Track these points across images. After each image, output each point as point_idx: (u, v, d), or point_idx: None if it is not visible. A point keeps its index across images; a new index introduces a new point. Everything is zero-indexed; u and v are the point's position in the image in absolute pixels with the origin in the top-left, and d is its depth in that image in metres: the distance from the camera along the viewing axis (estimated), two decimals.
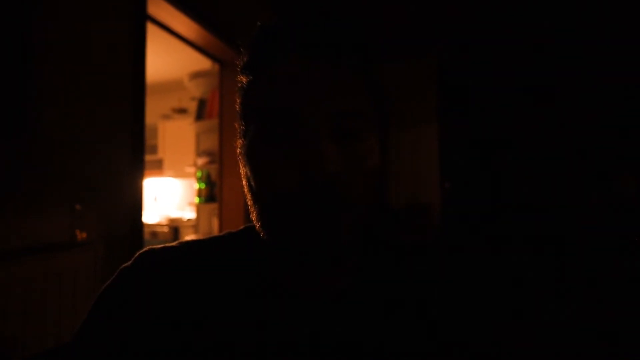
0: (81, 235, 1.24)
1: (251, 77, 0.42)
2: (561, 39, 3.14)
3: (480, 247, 3.23)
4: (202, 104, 2.95)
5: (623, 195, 2.98)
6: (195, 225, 3.10)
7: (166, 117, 4.22)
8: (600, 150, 3.10)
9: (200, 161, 2.88)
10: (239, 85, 0.44)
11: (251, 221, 0.44)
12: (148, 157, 3.87)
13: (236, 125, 0.45)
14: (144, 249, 0.46)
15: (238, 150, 0.46)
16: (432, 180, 3.54)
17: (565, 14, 2.81)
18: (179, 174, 4.10)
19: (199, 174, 2.87)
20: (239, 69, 0.44)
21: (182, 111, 4.10)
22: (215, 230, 2.67)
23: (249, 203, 0.43)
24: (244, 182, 0.43)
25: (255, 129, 0.40)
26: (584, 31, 3.02)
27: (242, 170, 0.43)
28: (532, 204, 3.29)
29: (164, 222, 3.97)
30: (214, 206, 2.75)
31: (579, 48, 3.13)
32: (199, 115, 2.95)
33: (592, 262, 2.97)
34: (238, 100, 0.44)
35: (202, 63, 2.82)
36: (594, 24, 2.93)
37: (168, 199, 4.42)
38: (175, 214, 4.13)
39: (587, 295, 2.83)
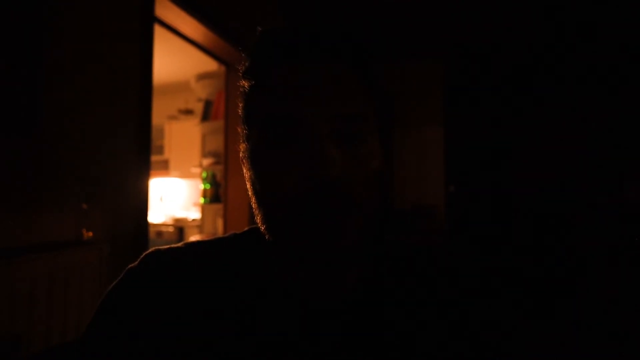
0: (87, 234, 1.25)
1: (253, 82, 0.43)
2: (569, 41, 3.11)
3: (485, 251, 3.21)
4: (208, 105, 2.97)
5: (634, 199, 2.95)
6: (200, 225, 3.11)
7: (172, 118, 4.25)
8: (609, 153, 3.07)
9: (206, 162, 2.89)
10: (241, 89, 0.45)
11: (256, 222, 0.44)
12: (154, 158, 3.91)
13: (239, 129, 0.46)
14: (150, 250, 0.46)
15: (241, 154, 0.46)
16: (437, 182, 3.52)
17: (574, 16, 2.79)
18: (185, 174, 4.12)
19: (204, 174, 2.89)
20: (240, 74, 0.45)
21: (188, 112, 4.12)
22: (219, 230, 2.68)
23: (253, 206, 0.43)
24: (248, 185, 0.44)
25: (259, 133, 0.41)
26: (593, 34, 3.00)
27: (246, 174, 0.44)
28: (538, 207, 3.26)
29: (169, 222, 3.99)
30: (218, 207, 2.76)
31: (588, 50, 3.11)
32: (205, 117, 2.97)
33: (601, 265, 2.94)
34: (240, 105, 0.45)
35: (209, 65, 2.83)
36: (605, 29, 2.91)
37: (173, 199, 4.44)
38: (181, 214, 4.15)
39: (595, 298, 2.81)
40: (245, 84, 0.44)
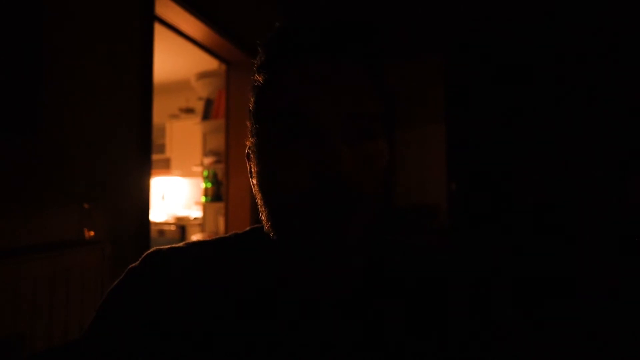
0: (89, 234, 1.26)
1: (268, 77, 0.42)
2: (571, 39, 3.10)
3: (487, 249, 3.21)
4: (209, 104, 2.97)
5: (635, 195, 2.94)
6: (201, 224, 3.12)
7: (173, 116, 4.25)
8: (611, 150, 3.06)
9: (207, 160, 2.89)
10: (254, 84, 0.44)
11: (258, 220, 0.44)
12: (155, 157, 3.91)
13: (248, 124, 0.45)
14: (151, 250, 0.46)
15: (247, 149, 0.46)
16: (438, 181, 3.52)
17: (575, 14, 2.78)
18: (186, 173, 4.13)
19: (205, 173, 2.89)
20: (254, 68, 0.44)
21: (189, 111, 4.12)
22: (221, 228, 2.68)
23: (258, 202, 0.43)
24: (254, 181, 0.43)
25: (269, 128, 0.41)
26: (594, 30, 2.98)
27: (254, 169, 0.43)
28: (540, 205, 3.26)
29: (171, 220, 4.00)
30: (220, 205, 2.77)
31: (588, 46, 3.10)
32: (206, 115, 2.97)
33: (602, 264, 2.94)
34: (252, 99, 0.44)
35: (209, 63, 2.83)
36: (607, 24, 2.90)
37: (175, 197, 4.45)
38: (182, 212, 4.16)
39: (597, 298, 2.80)
40: (259, 78, 0.43)
